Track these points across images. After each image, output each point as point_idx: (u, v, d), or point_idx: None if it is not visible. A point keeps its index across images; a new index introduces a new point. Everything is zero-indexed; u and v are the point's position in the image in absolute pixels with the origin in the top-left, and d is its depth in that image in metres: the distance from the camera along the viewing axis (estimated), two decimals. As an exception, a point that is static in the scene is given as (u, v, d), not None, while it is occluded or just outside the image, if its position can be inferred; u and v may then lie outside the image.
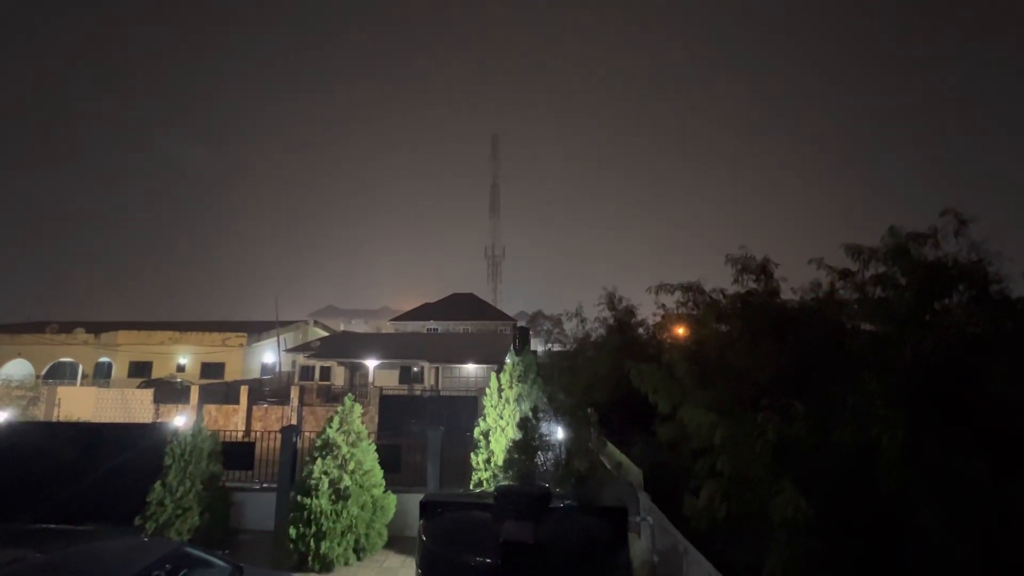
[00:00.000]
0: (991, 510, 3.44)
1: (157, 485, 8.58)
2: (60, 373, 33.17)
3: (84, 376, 32.91)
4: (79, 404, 22.44)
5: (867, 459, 3.92)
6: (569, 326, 13.27)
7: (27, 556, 6.32)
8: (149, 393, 23.00)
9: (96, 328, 34.75)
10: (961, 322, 4.56)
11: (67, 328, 34.76)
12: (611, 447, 8.74)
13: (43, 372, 32.79)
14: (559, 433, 9.28)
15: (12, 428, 10.58)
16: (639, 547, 6.56)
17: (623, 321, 11.49)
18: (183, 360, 33.30)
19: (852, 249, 5.50)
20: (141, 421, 19.04)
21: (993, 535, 3.38)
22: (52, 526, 8.52)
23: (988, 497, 3.46)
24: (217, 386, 25.09)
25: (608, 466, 8.63)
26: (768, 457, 4.25)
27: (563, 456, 8.84)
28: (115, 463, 9.44)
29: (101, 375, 33.10)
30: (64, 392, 23.76)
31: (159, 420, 19.37)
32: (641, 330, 11.40)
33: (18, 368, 32.73)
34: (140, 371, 32.61)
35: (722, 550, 4.50)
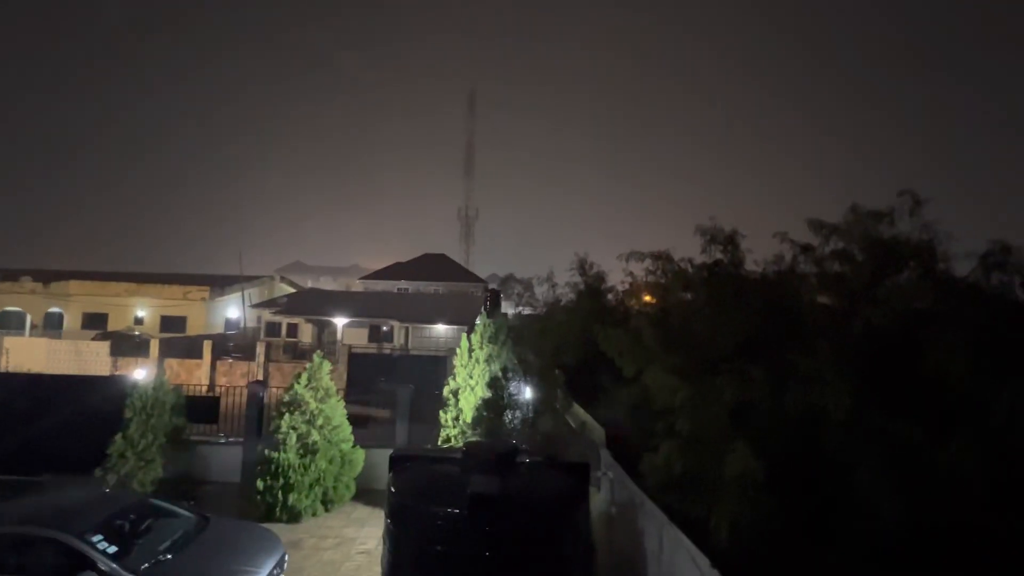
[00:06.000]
0: (920, 471, 3.77)
1: (118, 437, 8.43)
2: (5, 323, 31.53)
3: (33, 327, 31.41)
4: (28, 355, 21.51)
5: (815, 422, 4.20)
6: (540, 290, 13.41)
7: (-20, 505, 6.17)
8: (105, 345, 22.22)
9: (45, 277, 32.92)
10: (909, 297, 4.83)
11: (12, 276, 32.79)
12: (577, 407, 9.06)
13: (-14, 321, 31.12)
14: (527, 393, 9.52)
15: (-44, 378, 10.11)
16: (599, 500, 6.92)
17: (593, 287, 11.68)
18: (141, 313, 32.09)
19: (815, 224, 5.70)
20: (98, 374, 18.45)
21: (920, 494, 3.72)
22: (6, 477, 8.33)
23: (918, 459, 3.78)
24: (179, 340, 24.40)
25: (573, 425, 8.96)
26: (724, 419, 4.49)
27: (531, 415, 9.11)
28: (71, 415, 9.18)
29: (52, 326, 31.63)
30: (12, 343, 22.69)
31: (118, 373, 18.83)
32: (610, 296, 11.63)
33: (-41, 316, 30.94)
34: (95, 323, 31.29)
35: (676, 504, 4.80)
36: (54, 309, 32.12)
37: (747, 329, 5.45)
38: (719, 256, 6.58)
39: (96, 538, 5.19)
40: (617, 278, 11.46)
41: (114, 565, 5.02)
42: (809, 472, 4.21)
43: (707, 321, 5.79)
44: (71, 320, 31.89)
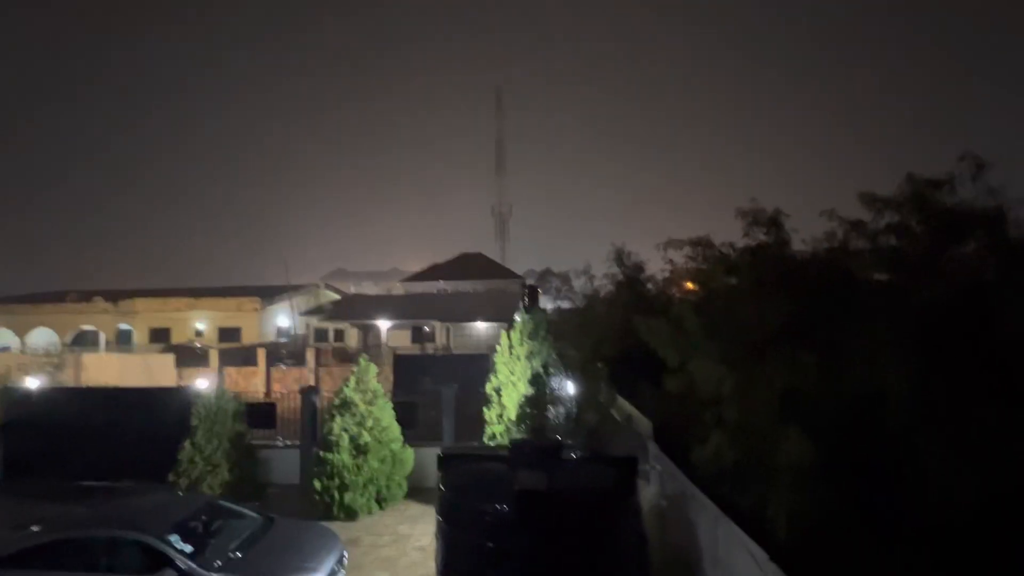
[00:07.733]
0: (994, 450, 3.51)
1: (187, 444, 8.98)
2: (83, 341, 34.13)
3: (107, 343, 33.85)
4: (104, 370, 23.10)
5: (875, 405, 3.98)
6: (578, 283, 13.30)
7: (73, 509, 6.75)
8: (171, 358, 23.62)
9: (113, 296, 35.41)
10: (976, 268, 4.50)
11: (86, 297, 35.47)
12: (621, 400, 8.95)
13: (67, 340, 33.76)
14: (569, 388, 9.48)
15: (45, 394, 11.05)
16: (648, 493, 6.83)
17: (632, 277, 11.48)
18: (200, 325, 34.02)
19: (866, 198, 5.38)
20: (165, 385, 19.67)
21: (995, 474, 3.46)
22: (92, 483, 9.04)
23: (992, 438, 3.53)
24: (235, 350, 25.72)
25: (618, 418, 8.87)
26: (775, 405, 4.33)
27: (574, 410, 9.07)
28: (144, 425, 9.86)
29: (123, 342, 34.02)
30: (89, 359, 24.41)
31: (182, 384, 20.02)
32: (650, 285, 11.40)
33: (41, 337, 33.71)
34: (159, 337, 33.44)
35: (727, 495, 4.68)
36: (124, 326, 34.52)
37: (796, 310, 5.22)
38: (762, 238, 6.32)
39: (174, 538, 5.57)
40: (656, 267, 11.21)
41: (191, 563, 5.37)
42: (870, 458, 4.00)
43: (752, 305, 5.58)
44: (139, 335, 34.17)
